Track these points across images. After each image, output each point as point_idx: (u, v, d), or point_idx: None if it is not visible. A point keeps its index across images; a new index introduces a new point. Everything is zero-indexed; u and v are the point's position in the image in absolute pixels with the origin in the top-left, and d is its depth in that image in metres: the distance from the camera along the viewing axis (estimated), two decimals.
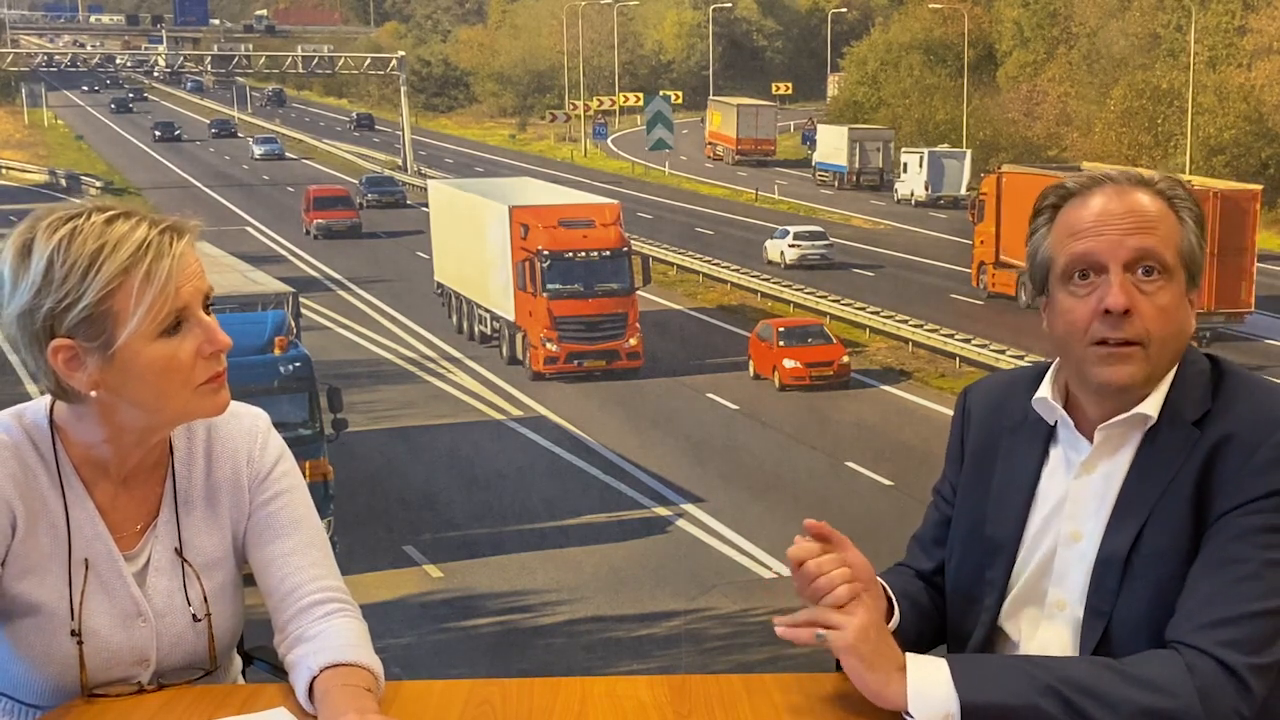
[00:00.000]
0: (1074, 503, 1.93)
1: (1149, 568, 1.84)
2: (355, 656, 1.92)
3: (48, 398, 1.97)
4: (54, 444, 1.95)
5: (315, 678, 1.89)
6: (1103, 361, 1.87)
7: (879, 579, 1.92)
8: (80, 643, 1.93)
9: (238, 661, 2.21)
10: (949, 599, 2.07)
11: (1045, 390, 1.97)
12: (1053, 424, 1.98)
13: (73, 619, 1.93)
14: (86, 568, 1.95)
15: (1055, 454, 1.98)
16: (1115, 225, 1.86)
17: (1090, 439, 1.93)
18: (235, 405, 2.07)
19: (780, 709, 1.85)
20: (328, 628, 1.97)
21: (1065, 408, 1.96)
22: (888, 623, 1.90)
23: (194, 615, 2.00)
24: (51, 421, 1.96)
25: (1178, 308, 1.87)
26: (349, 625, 1.99)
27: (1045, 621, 1.94)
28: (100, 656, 1.94)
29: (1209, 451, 1.82)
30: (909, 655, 1.79)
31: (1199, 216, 1.91)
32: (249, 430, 2.07)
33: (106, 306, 1.81)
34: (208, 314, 1.89)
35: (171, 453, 2.03)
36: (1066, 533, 1.93)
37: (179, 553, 2.01)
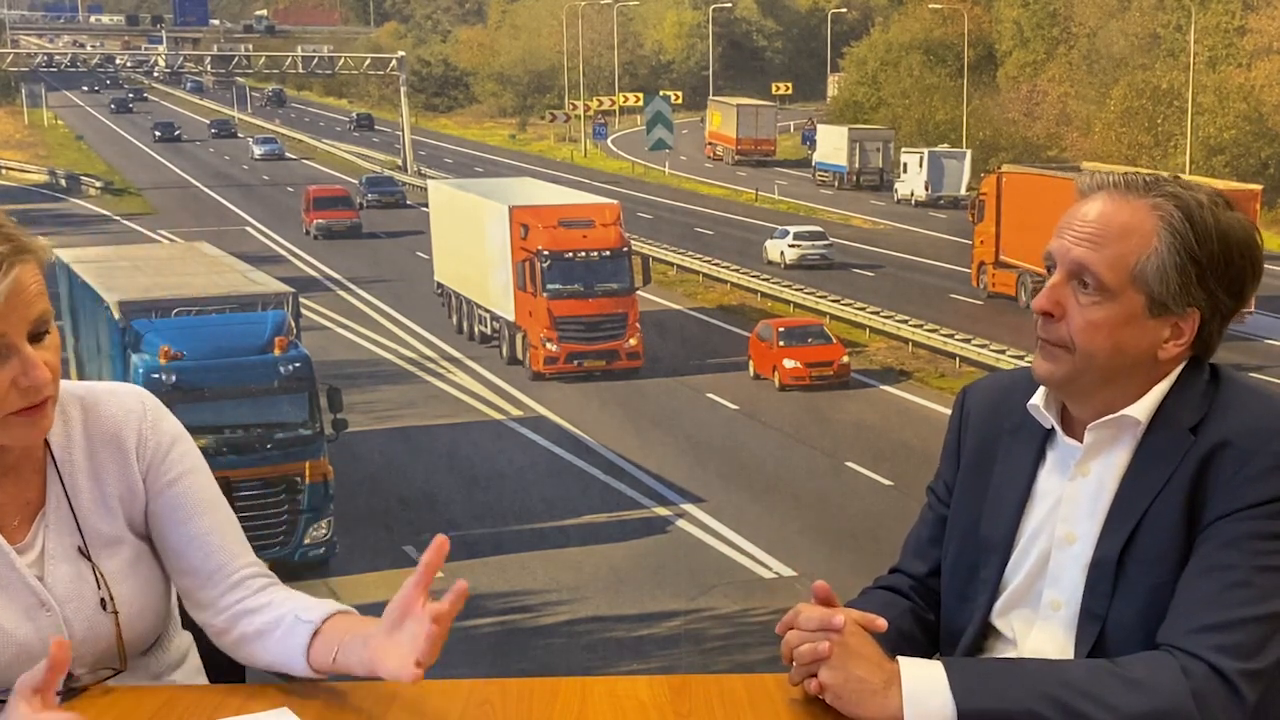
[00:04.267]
0: (1068, 504, 1.93)
1: (1142, 571, 1.84)
2: (347, 608, 1.94)
3: None
4: None
5: (318, 630, 1.90)
6: (1038, 353, 1.92)
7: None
8: None
9: (180, 643, 2.15)
10: (944, 595, 2.07)
11: (1039, 397, 1.97)
12: (1050, 426, 1.98)
13: None
14: None
15: (1052, 456, 1.98)
16: (1075, 230, 1.88)
17: (1082, 442, 1.93)
18: (113, 384, 2.05)
19: (780, 709, 1.84)
20: (279, 595, 1.97)
21: (1060, 410, 1.97)
22: None
23: (101, 600, 1.95)
24: None
25: (1113, 327, 1.86)
26: (299, 593, 1.99)
27: (1040, 622, 1.94)
28: (9, 652, 1.89)
29: (1203, 457, 1.82)
30: (903, 661, 1.78)
31: (1204, 246, 1.84)
32: (130, 406, 2.02)
33: None
34: (41, 341, 1.83)
35: (47, 439, 1.97)
36: (1061, 535, 1.93)
37: (79, 534, 1.96)
